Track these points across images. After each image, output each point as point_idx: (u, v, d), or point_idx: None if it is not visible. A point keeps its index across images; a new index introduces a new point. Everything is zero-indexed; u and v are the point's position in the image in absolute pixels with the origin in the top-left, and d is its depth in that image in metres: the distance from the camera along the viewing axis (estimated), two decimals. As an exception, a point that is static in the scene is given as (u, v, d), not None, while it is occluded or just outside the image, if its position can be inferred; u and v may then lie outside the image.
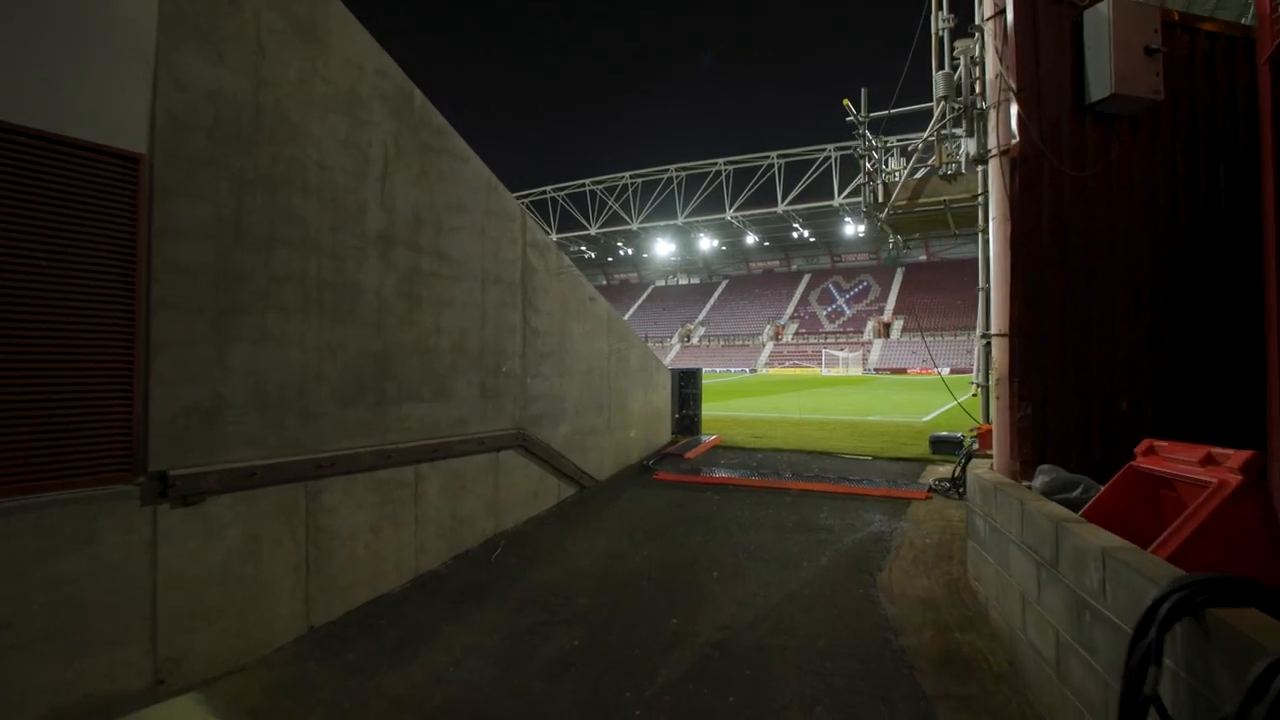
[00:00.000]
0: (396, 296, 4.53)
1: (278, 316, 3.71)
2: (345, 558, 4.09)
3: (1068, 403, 3.91)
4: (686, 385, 9.53)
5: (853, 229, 68.02)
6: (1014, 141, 3.91)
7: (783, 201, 63.02)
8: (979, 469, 4.17)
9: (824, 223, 69.71)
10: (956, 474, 6.27)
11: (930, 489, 6.35)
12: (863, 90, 7.17)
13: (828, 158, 60.18)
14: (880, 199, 6.81)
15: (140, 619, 3.04)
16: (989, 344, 6.55)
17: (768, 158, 62.97)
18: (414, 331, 4.69)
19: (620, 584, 4.31)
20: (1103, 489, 2.90)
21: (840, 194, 60.20)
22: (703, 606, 3.89)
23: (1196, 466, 2.38)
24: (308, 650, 3.57)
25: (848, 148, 59.14)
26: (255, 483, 3.57)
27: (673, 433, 9.36)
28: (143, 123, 3.19)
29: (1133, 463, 2.83)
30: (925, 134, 6.31)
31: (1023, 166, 3.88)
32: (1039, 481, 3.48)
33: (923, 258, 76.29)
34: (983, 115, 4.89)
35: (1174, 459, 2.57)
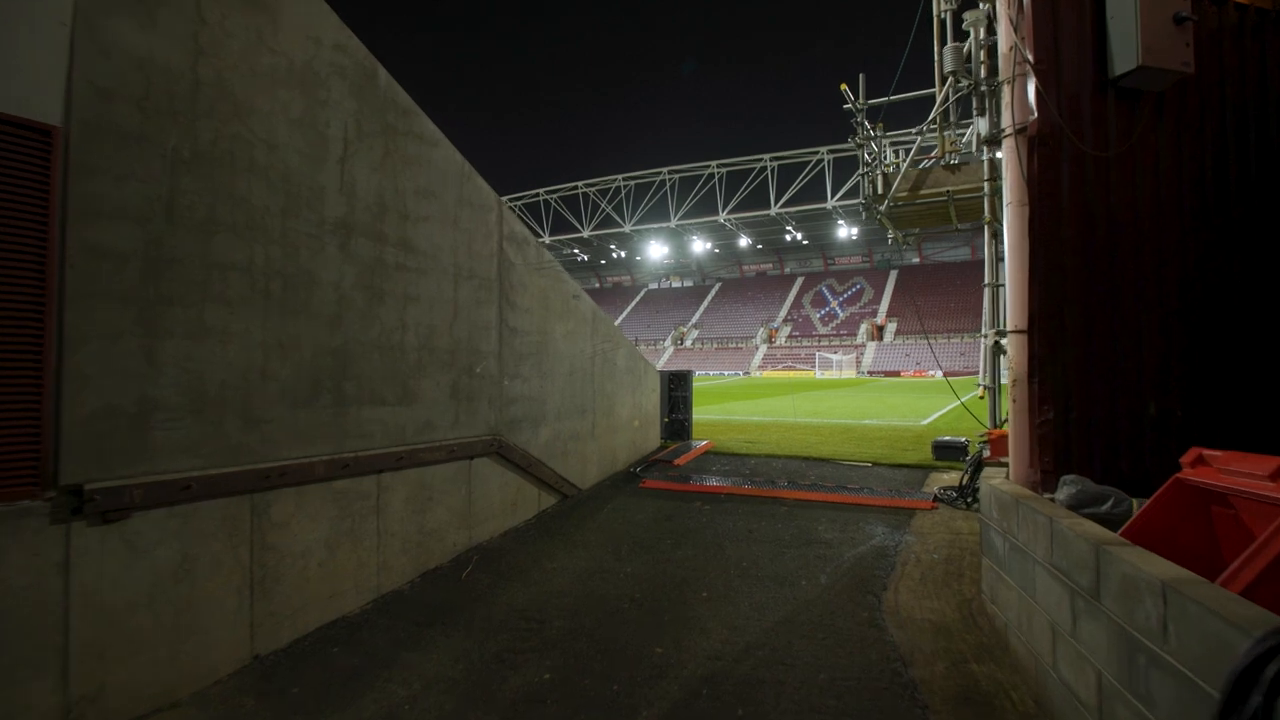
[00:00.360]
0: (357, 289, 4.15)
1: (218, 308, 3.32)
2: (297, 578, 3.69)
3: (1091, 406, 3.56)
4: (677, 388, 9.17)
5: (846, 231, 68.01)
6: (1031, 119, 3.57)
7: (776, 204, 62.96)
8: (994, 479, 3.81)
9: (817, 225, 69.68)
10: (964, 482, 5.92)
11: (936, 498, 6.00)
12: (860, 76, 6.84)
13: (820, 160, 60.14)
14: (879, 190, 6.48)
15: (49, 650, 2.65)
16: (997, 343, 6.22)
17: (760, 160, 62.89)
18: (377, 328, 4.31)
19: (601, 606, 3.93)
20: (1144, 504, 2.54)
21: (833, 196, 60.15)
22: (690, 633, 3.51)
23: (1265, 481, 2.02)
24: (249, 683, 3.17)
25: (841, 150, 59.08)
26: (191, 496, 3.18)
27: (662, 438, 8.99)
28: (58, 92, 2.80)
29: (1179, 475, 2.48)
30: (930, 116, 5.98)
31: (1041, 146, 3.54)
32: (1063, 494, 3.12)
33: (916, 260, 76.41)
34: (995, 92, 4.56)
35: (1233, 471, 2.21)
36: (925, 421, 12.54)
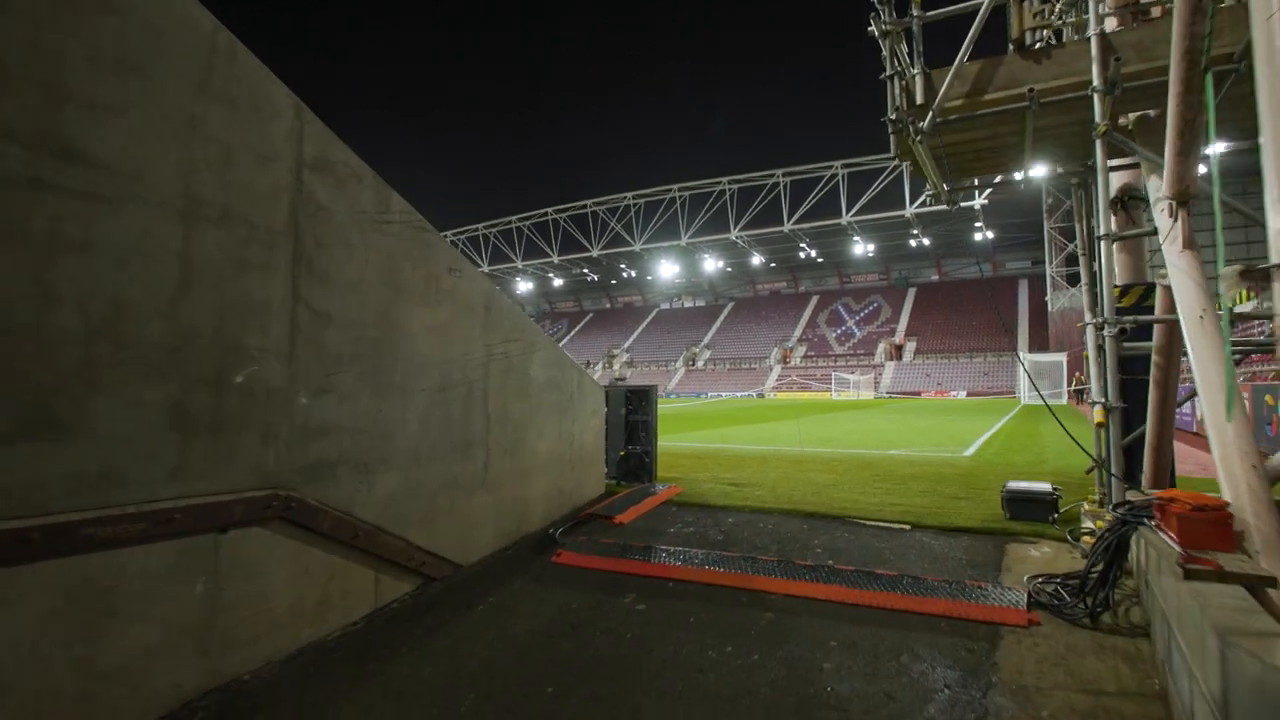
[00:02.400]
0: None
1: None
2: None
3: None
4: (636, 410, 6.76)
5: (862, 248, 65.66)
6: None
7: (789, 220, 60.96)
8: (1211, 593, 1.36)
9: (832, 242, 67.48)
10: (1091, 573, 3.37)
11: (1034, 601, 3.48)
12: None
13: (835, 175, 58.16)
14: (919, 99, 4.10)
15: None
16: (1122, 330, 3.77)
17: (773, 175, 61.07)
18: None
19: None
20: None
21: (848, 212, 57.97)
22: None
23: None
24: None
25: (855, 164, 56.97)
26: None
27: (612, 478, 6.58)
28: None
29: None
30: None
31: None
32: None
33: (935, 277, 73.75)
34: None
35: None
36: (969, 451, 9.97)
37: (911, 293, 70.99)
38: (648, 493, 5.88)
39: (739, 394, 61.25)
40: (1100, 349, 4.18)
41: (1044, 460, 8.52)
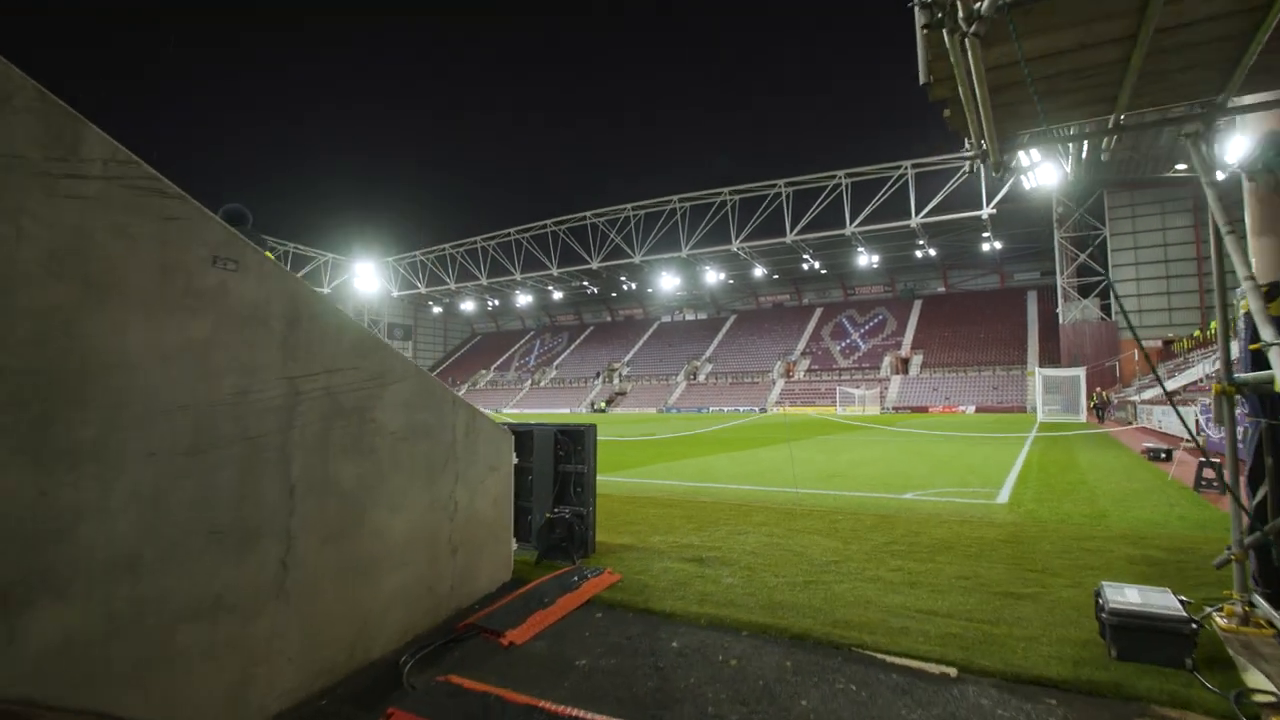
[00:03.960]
0: None
1: None
2: None
3: None
4: (568, 458, 5.02)
5: (867, 259, 64.06)
6: None
7: (791, 231, 59.48)
8: None
9: (836, 253, 65.99)
10: None
11: None
12: None
13: (838, 185, 56.72)
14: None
15: None
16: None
17: (775, 186, 59.68)
18: None
19: None
20: None
21: (852, 222, 56.44)
22: None
23: None
24: None
25: (859, 174, 55.41)
26: None
27: (538, 548, 4.83)
28: None
29: None
30: None
31: None
32: None
33: (941, 289, 72.06)
34: None
35: None
36: (1002, 495, 8.17)
37: (917, 305, 69.25)
38: (568, 584, 4.10)
39: (741, 409, 59.34)
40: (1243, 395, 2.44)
41: (1104, 512, 6.72)
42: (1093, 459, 12.49)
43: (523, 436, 5.23)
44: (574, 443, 4.99)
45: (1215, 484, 8.15)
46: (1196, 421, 17.18)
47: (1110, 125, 3.60)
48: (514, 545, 4.40)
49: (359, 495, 3.36)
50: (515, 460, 4.44)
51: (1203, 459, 8.42)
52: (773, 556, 4.93)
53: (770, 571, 4.50)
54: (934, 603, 3.83)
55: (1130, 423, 29.38)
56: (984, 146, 3.81)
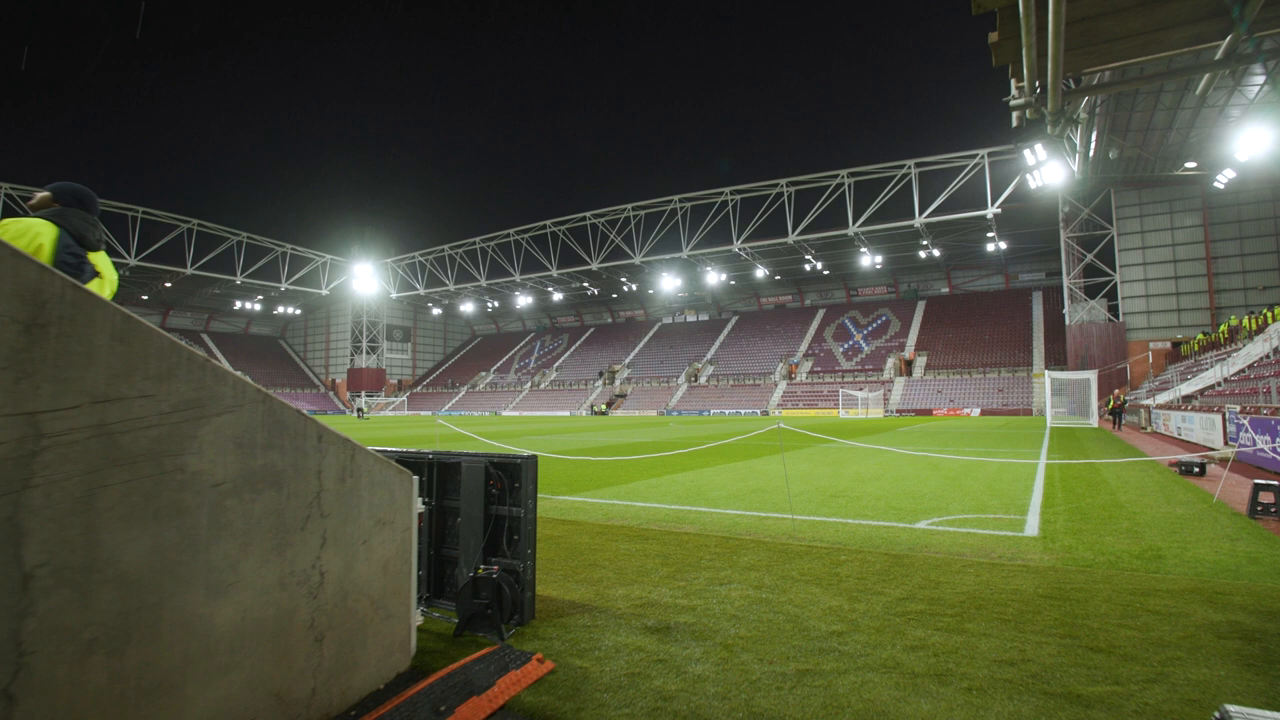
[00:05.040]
0: None
1: None
2: None
3: None
4: (501, 499, 4.00)
5: (870, 260, 63.03)
6: None
7: (793, 232, 58.48)
8: None
9: (838, 254, 65.03)
10: None
11: None
12: None
13: (841, 184, 55.71)
14: None
15: None
16: None
17: (777, 185, 58.67)
18: None
19: None
20: None
21: (855, 222, 55.45)
22: None
23: None
24: None
25: (861, 173, 54.35)
26: None
27: (459, 616, 3.82)
28: None
29: None
30: None
31: None
32: None
33: (945, 290, 70.99)
34: None
35: None
36: (1031, 524, 7.13)
37: (921, 306, 68.21)
38: (476, 685, 3.04)
39: (743, 411, 58.27)
40: None
41: (1156, 550, 5.69)
42: (1121, 474, 11.43)
43: (449, 469, 4.21)
44: (509, 479, 3.97)
45: (1276, 510, 7.11)
46: (1224, 431, 16.12)
47: (1223, 51, 2.57)
48: (419, 619, 3.39)
49: (154, 578, 2.35)
50: (424, 505, 3.42)
51: (1258, 482, 7.38)
52: (759, 623, 3.90)
53: (754, 650, 3.48)
54: (973, 715, 2.79)
55: (1145, 428, 28.25)
56: (1038, 90, 2.79)
